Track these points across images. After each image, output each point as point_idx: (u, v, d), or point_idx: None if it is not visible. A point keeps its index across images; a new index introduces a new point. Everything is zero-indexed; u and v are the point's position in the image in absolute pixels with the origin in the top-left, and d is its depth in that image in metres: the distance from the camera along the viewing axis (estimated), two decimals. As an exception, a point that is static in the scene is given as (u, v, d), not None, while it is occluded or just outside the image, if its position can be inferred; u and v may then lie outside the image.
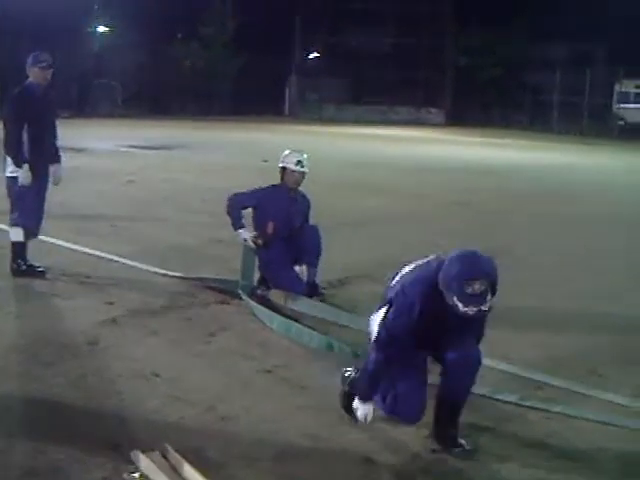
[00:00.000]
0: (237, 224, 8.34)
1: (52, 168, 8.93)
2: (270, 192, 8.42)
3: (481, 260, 4.51)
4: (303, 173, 8.36)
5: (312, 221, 8.66)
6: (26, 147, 8.54)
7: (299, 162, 8.33)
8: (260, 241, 8.24)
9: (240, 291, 8.05)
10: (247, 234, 8.34)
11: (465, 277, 4.36)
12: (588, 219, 14.60)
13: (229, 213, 8.36)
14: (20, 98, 8.66)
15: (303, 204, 8.58)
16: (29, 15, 42.73)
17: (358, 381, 5.05)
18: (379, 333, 4.86)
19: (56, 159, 9.00)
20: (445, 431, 4.92)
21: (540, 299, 8.70)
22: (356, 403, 4.96)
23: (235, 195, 8.41)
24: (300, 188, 8.50)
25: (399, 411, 5.01)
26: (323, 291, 8.47)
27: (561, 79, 49.63)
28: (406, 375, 4.94)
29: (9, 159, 8.56)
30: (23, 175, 8.50)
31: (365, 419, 4.92)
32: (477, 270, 4.41)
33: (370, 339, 5.07)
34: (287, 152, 8.53)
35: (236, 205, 8.36)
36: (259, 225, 8.42)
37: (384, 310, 4.93)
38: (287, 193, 8.40)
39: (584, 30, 47.66)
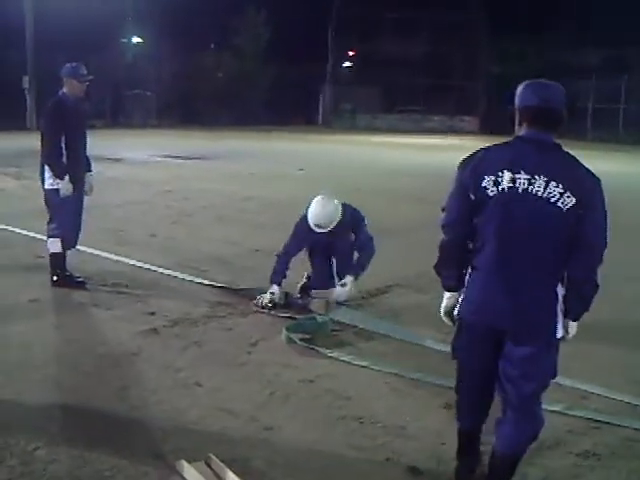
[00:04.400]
0: (273, 279, 8.30)
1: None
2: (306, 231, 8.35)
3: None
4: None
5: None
6: (64, 158, 8.59)
7: (317, 225, 8.19)
8: (270, 304, 8.15)
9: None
10: (275, 290, 8.24)
11: None
12: (626, 227, 14.44)
13: (275, 268, 8.34)
14: (57, 110, 8.69)
15: (345, 227, 8.34)
16: (64, 26, 43.04)
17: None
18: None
19: (88, 169, 9.05)
20: None
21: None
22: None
23: (283, 253, 8.35)
24: (346, 201, 8.46)
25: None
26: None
27: (596, 86, 49.30)
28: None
29: (47, 172, 8.60)
30: (65, 186, 8.54)
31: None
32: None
33: None
34: (312, 208, 8.26)
35: (282, 260, 8.33)
36: (309, 256, 8.54)
37: None
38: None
39: (620, 36, 47.28)
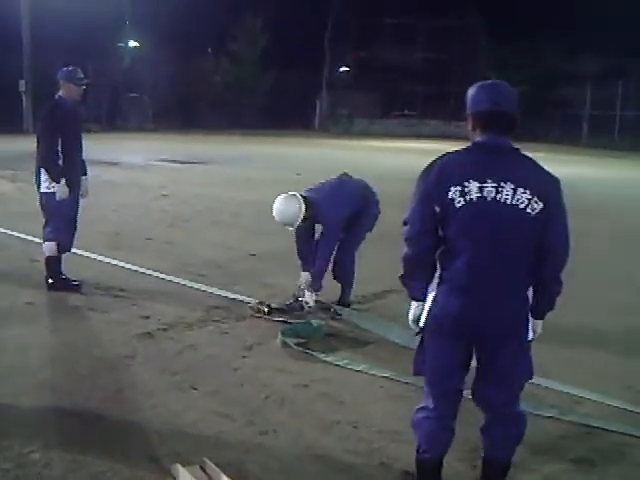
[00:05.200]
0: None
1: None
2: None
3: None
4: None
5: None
6: (60, 162, 8.59)
7: (281, 224, 8.25)
8: (267, 309, 8.14)
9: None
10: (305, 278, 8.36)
11: None
12: (622, 233, 14.49)
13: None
14: (54, 113, 8.69)
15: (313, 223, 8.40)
16: (61, 30, 43.08)
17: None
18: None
19: (84, 172, 9.05)
20: None
21: (578, 313, 8.61)
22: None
23: None
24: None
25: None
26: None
27: (592, 93, 49.42)
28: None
29: (44, 175, 8.60)
30: (61, 190, 8.54)
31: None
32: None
33: None
34: (274, 207, 8.24)
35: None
36: None
37: None
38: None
39: (616, 44, 47.40)
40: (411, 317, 4.34)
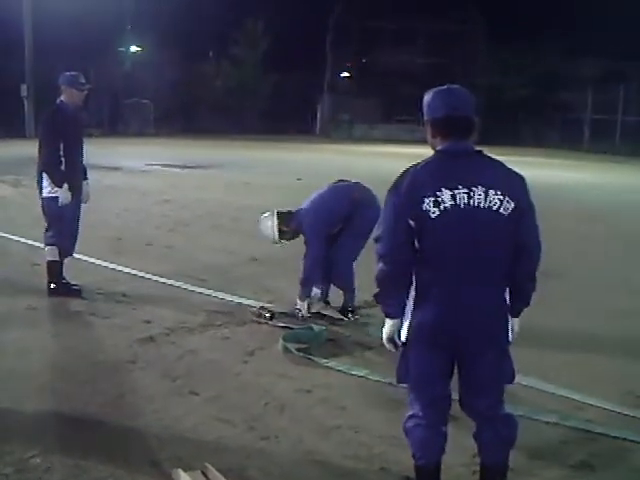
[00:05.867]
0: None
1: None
2: None
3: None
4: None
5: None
6: (63, 166, 8.60)
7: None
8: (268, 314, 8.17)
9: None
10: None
11: None
12: (619, 238, 14.50)
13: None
14: (55, 118, 8.70)
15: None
16: (62, 35, 43.15)
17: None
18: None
19: (84, 177, 9.06)
20: None
21: (577, 317, 8.63)
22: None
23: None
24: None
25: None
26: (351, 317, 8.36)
27: (593, 97, 49.39)
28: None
29: (46, 180, 8.61)
30: (63, 195, 8.55)
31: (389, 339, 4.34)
32: None
33: None
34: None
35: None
36: None
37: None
38: None
39: (617, 47, 47.41)
40: (385, 335, 4.29)
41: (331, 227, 8.25)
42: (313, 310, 8.34)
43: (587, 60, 52.06)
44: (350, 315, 8.26)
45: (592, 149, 45.65)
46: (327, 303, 8.48)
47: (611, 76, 50.13)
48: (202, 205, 17.32)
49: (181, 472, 4.50)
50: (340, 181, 8.59)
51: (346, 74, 68.01)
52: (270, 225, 8.38)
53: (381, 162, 32.67)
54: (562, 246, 12.59)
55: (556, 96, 53.36)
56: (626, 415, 5.94)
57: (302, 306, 8.31)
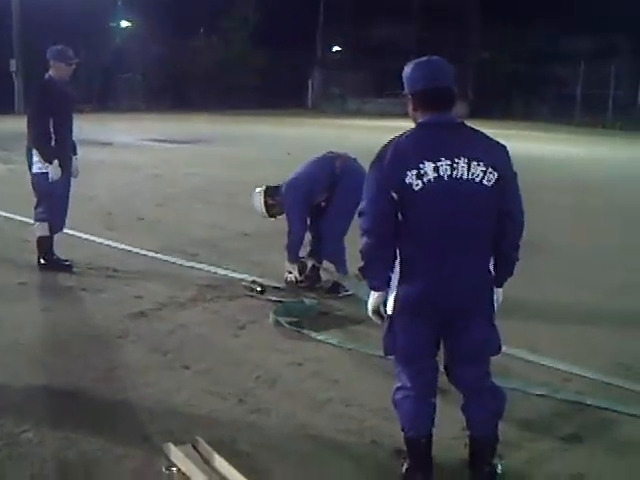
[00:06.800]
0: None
1: None
2: None
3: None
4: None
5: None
6: (52, 142, 8.56)
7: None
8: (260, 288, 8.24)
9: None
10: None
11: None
12: (616, 211, 14.50)
13: None
14: (44, 93, 8.67)
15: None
16: (52, 9, 42.82)
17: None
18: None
19: (74, 152, 9.03)
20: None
21: (570, 291, 8.64)
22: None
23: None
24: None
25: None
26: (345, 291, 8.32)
27: (585, 71, 49.30)
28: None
29: (35, 156, 8.57)
30: (54, 170, 8.52)
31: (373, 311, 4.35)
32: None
33: None
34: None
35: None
36: None
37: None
38: None
39: (609, 22, 47.23)
40: (371, 307, 4.29)
41: (314, 197, 8.23)
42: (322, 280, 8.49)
43: (579, 35, 51.88)
44: (341, 289, 8.25)
45: (583, 123, 45.56)
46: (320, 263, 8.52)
47: (603, 51, 50.00)
48: (193, 180, 17.30)
49: (172, 445, 4.50)
50: (330, 152, 8.57)
51: (337, 48, 67.71)
52: (258, 201, 8.48)
53: (373, 136, 32.61)
54: (559, 221, 12.63)
55: (548, 71, 53.24)
56: (616, 386, 5.96)
57: (293, 268, 8.39)
